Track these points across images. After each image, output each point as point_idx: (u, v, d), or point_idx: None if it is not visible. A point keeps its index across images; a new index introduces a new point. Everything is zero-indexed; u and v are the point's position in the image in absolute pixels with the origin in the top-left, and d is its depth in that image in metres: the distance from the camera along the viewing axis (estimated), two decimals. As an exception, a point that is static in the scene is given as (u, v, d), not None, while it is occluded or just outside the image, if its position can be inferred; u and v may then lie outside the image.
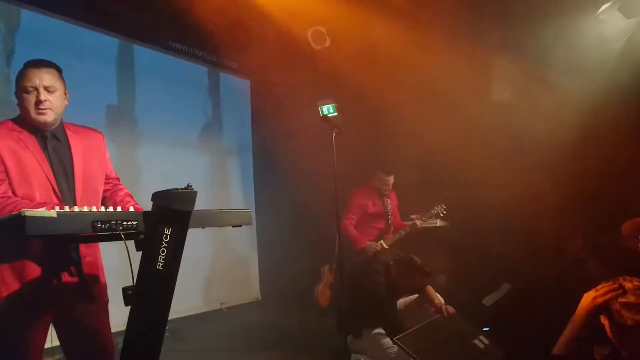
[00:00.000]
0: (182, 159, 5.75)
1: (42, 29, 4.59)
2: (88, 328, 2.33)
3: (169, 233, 1.95)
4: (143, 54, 5.54)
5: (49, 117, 2.22)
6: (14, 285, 2.15)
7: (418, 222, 4.99)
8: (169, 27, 5.79)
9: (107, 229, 1.83)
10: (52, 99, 2.22)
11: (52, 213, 1.70)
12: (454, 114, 5.58)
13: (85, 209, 1.82)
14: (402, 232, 5.05)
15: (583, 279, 4.27)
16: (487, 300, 5.30)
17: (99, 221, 1.81)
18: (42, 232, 1.68)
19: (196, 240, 5.34)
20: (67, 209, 1.81)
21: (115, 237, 1.92)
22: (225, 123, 6.59)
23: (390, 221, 5.13)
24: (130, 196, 2.57)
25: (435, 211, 5.13)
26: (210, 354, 4.51)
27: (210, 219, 2.23)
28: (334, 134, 3.50)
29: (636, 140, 4.39)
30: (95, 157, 2.43)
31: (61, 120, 2.34)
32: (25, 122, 2.24)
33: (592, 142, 4.51)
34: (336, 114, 6.10)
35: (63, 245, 2.21)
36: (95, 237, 2.10)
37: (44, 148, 2.25)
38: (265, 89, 6.86)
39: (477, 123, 5.34)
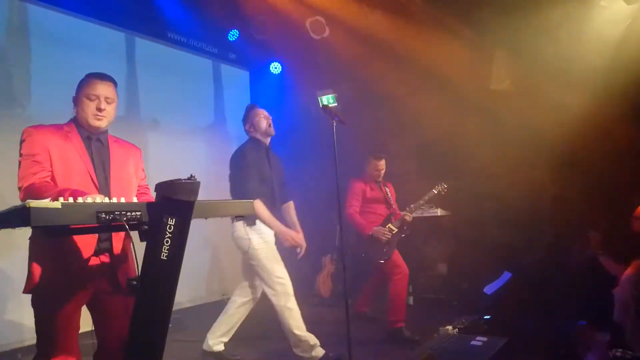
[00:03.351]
0: (184, 150, 5.75)
1: (49, 24, 4.65)
2: (118, 313, 2.38)
3: (173, 223, 1.96)
4: (145, 46, 5.55)
5: (103, 123, 2.50)
6: (54, 265, 2.25)
7: (407, 217, 4.90)
8: (169, 19, 5.78)
9: (111, 220, 1.84)
10: (109, 109, 2.51)
11: (57, 204, 1.70)
12: (455, 102, 5.57)
13: (98, 199, 1.87)
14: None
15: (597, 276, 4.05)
16: (488, 289, 5.33)
17: (103, 212, 1.82)
18: (47, 223, 1.69)
19: (198, 231, 5.40)
20: (99, 199, 1.89)
21: (119, 228, 1.93)
22: (226, 114, 6.59)
23: (393, 206, 5.04)
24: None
25: (437, 190, 5.00)
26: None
27: (213, 210, 2.24)
28: (334, 124, 3.47)
29: (637, 127, 4.38)
30: (130, 164, 2.62)
31: (107, 130, 2.59)
32: (78, 124, 2.49)
33: (593, 130, 4.51)
34: (336, 104, 6.14)
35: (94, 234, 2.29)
36: (101, 228, 2.12)
37: (88, 147, 2.46)
38: (264, 79, 6.86)
39: (477, 112, 5.34)
